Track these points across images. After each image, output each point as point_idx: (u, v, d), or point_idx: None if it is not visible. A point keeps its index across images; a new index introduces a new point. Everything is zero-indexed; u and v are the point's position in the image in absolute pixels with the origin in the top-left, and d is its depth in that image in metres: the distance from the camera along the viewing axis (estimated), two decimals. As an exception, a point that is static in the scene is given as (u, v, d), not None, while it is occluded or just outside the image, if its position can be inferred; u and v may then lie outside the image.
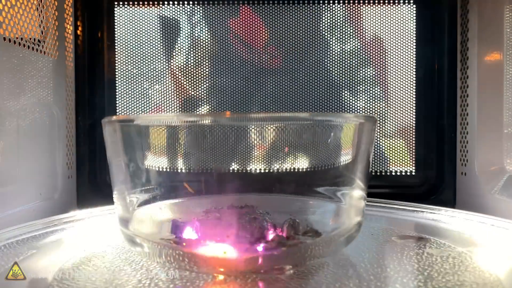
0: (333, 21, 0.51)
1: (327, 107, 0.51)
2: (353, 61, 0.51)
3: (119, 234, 0.27)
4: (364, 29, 0.51)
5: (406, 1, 0.51)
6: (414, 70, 0.51)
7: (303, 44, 0.51)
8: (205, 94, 0.52)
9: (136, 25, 0.51)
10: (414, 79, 0.51)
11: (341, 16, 0.51)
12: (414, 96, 0.51)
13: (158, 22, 0.51)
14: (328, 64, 0.51)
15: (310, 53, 0.51)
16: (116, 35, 0.51)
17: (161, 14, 0.51)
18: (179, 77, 0.52)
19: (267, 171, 0.28)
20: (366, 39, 0.52)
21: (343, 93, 0.52)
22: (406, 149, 0.52)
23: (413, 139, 0.51)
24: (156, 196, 0.27)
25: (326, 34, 0.51)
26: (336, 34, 0.51)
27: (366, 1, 0.51)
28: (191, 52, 0.52)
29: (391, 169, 0.51)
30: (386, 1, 0.51)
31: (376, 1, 0.51)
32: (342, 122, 0.27)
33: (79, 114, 0.50)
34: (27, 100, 0.39)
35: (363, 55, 0.52)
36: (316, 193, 0.27)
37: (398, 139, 0.52)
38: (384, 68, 0.52)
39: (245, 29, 0.51)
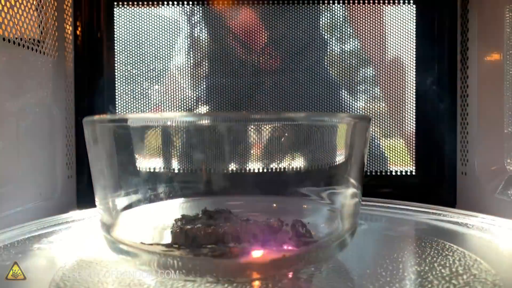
0: (333, 21, 0.51)
1: (327, 107, 0.51)
2: (353, 61, 0.51)
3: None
4: (364, 29, 0.51)
5: (406, 1, 0.51)
6: (414, 69, 0.51)
7: (302, 44, 0.51)
8: (204, 94, 0.51)
9: (136, 25, 0.51)
10: (414, 78, 0.51)
11: (341, 16, 0.51)
12: (414, 96, 0.51)
13: (158, 22, 0.51)
14: (328, 65, 0.51)
15: (310, 53, 0.51)
16: (115, 36, 0.51)
17: (160, 15, 0.51)
18: (179, 77, 0.52)
19: (250, 172, 0.27)
20: (366, 39, 0.51)
21: (343, 93, 0.52)
22: (406, 149, 0.52)
23: (413, 139, 0.51)
24: (140, 199, 0.26)
25: (325, 34, 0.51)
26: (336, 34, 0.51)
27: (366, 1, 0.51)
28: (191, 52, 0.52)
29: (391, 169, 0.51)
30: (386, 1, 0.51)
31: (376, 1, 0.51)
32: (334, 121, 0.26)
33: (78, 114, 0.49)
34: (26, 101, 0.39)
35: (363, 55, 0.52)
36: (303, 194, 0.26)
37: (398, 139, 0.52)
38: (384, 68, 0.52)
39: (245, 29, 0.51)
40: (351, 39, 0.52)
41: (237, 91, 0.51)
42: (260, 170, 0.28)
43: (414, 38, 0.51)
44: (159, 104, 0.52)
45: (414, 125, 0.51)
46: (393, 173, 0.51)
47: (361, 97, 0.52)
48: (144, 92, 0.52)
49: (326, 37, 0.51)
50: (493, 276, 0.23)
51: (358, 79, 0.52)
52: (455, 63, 0.50)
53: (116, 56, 0.51)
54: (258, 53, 0.51)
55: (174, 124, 0.25)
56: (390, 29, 0.51)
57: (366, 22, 0.51)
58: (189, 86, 0.51)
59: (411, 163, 0.51)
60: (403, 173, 0.51)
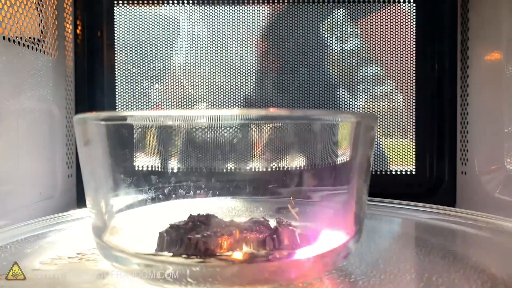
0: (333, 20, 0.51)
1: (327, 107, 0.51)
2: (353, 61, 0.51)
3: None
4: (364, 28, 0.51)
5: (406, 0, 0.51)
6: (414, 69, 0.51)
7: (302, 43, 0.51)
8: (204, 93, 0.51)
9: (136, 24, 0.51)
10: (414, 78, 0.51)
11: (341, 15, 0.51)
12: (414, 95, 0.51)
13: (158, 21, 0.51)
14: (328, 64, 0.51)
15: (310, 53, 0.51)
16: (115, 35, 0.51)
17: (160, 14, 0.51)
18: (179, 76, 0.51)
19: (243, 171, 0.27)
20: (366, 38, 0.51)
21: (343, 93, 0.52)
22: (406, 148, 0.52)
23: (413, 138, 0.51)
24: (134, 202, 0.25)
25: (325, 33, 0.51)
26: (336, 33, 0.51)
27: (366, 0, 0.51)
28: (191, 52, 0.52)
29: (391, 168, 0.51)
30: (386, 0, 0.51)
31: (376, 0, 0.51)
32: (337, 120, 0.24)
33: (78, 113, 0.49)
34: (26, 99, 0.39)
35: (363, 55, 0.52)
36: (303, 196, 0.25)
37: (398, 138, 0.52)
38: (384, 68, 0.52)
39: (244, 29, 0.51)
40: (351, 38, 0.52)
41: (236, 90, 0.51)
42: (257, 169, 0.27)
43: (414, 37, 0.51)
44: (159, 103, 0.52)
45: (414, 125, 0.51)
46: (393, 173, 0.51)
47: (361, 97, 0.52)
48: (144, 91, 0.52)
49: (325, 36, 0.51)
50: (493, 275, 0.23)
51: (358, 78, 0.52)
52: (455, 62, 0.50)
53: (116, 55, 0.51)
54: (258, 52, 0.51)
55: (174, 123, 0.24)
56: (390, 28, 0.51)
57: (366, 21, 0.51)
58: (189, 85, 0.51)
59: (411, 163, 0.51)
60: (403, 173, 0.51)
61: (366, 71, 0.52)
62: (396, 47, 0.51)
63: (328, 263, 0.22)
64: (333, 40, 0.52)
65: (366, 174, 0.24)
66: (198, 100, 0.52)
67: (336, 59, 0.51)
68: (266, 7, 0.51)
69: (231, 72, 0.51)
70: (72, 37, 0.49)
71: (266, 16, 0.51)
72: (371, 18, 0.51)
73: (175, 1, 0.51)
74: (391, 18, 0.51)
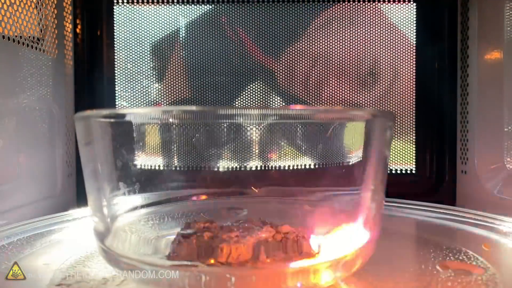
0: (333, 19, 0.51)
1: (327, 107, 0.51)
2: (353, 60, 0.51)
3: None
4: (364, 28, 0.51)
5: (406, 0, 0.51)
6: (414, 68, 0.51)
7: (302, 42, 0.51)
8: (204, 92, 0.51)
9: (136, 23, 0.51)
10: (414, 77, 0.51)
11: (341, 15, 0.51)
12: (414, 94, 0.51)
13: (157, 20, 0.51)
14: (328, 64, 0.51)
15: (310, 52, 0.51)
16: (115, 34, 0.51)
17: (160, 12, 0.51)
18: (178, 75, 0.51)
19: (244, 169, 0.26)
20: (366, 38, 0.51)
21: (343, 93, 0.52)
22: (406, 147, 0.52)
23: (413, 137, 0.51)
24: (137, 205, 0.23)
25: (325, 32, 0.51)
26: (336, 32, 0.51)
27: (367, 0, 0.51)
28: (190, 50, 0.51)
29: (391, 167, 0.51)
30: (387, 0, 0.51)
31: (377, 0, 0.51)
32: (350, 118, 0.23)
33: (78, 112, 0.49)
34: (26, 99, 0.39)
35: (363, 54, 0.52)
36: (312, 197, 0.24)
37: (398, 138, 0.52)
38: (384, 67, 0.51)
39: (244, 28, 0.51)
40: (351, 38, 0.51)
41: (236, 89, 0.51)
42: (263, 168, 0.27)
43: (414, 37, 0.51)
44: (159, 101, 0.52)
45: (414, 124, 0.51)
46: (393, 172, 0.51)
47: (360, 96, 0.52)
48: (144, 90, 0.51)
49: (325, 35, 0.51)
50: (492, 275, 0.23)
51: (358, 78, 0.52)
52: (455, 62, 0.50)
53: (116, 54, 0.51)
54: (257, 51, 0.51)
55: (176, 120, 0.23)
56: (390, 28, 0.51)
57: (366, 20, 0.51)
58: (189, 84, 0.51)
59: (411, 162, 0.51)
60: (403, 172, 0.51)
61: (365, 70, 0.52)
62: (396, 47, 0.51)
63: (347, 267, 0.21)
64: (333, 39, 0.51)
65: (383, 173, 0.23)
66: (198, 99, 0.52)
67: (336, 59, 0.51)
68: (266, 6, 0.51)
69: (231, 71, 0.51)
70: (72, 36, 0.49)
71: (266, 15, 0.51)
72: (371, 17, 0.51)
73: (175, 0, 0.51)
74: (391, 17, 0.51)
